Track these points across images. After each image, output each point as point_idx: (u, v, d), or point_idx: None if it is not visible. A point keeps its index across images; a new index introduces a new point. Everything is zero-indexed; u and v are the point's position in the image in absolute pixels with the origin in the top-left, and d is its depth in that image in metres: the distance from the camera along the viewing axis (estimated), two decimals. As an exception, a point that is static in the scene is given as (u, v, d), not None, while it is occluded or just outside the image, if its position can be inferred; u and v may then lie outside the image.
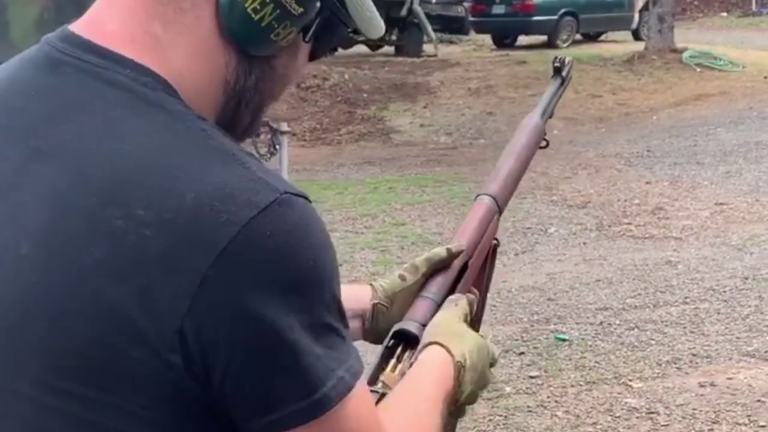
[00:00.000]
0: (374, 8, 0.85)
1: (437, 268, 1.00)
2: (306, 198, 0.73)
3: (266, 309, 0.67)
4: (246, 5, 0.74)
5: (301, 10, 0.76)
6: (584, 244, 5.86)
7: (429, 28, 15.14)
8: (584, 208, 6.74)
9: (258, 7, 0.74)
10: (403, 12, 14.84)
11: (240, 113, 0.79)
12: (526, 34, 16.74)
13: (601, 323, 4.48)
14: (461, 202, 7.02)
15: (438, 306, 0.96)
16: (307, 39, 0.79)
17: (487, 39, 17.30)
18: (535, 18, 16.30)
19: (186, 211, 0.67)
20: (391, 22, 15.00)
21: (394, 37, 15.31)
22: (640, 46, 14.83)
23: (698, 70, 12.97)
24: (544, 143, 1.12)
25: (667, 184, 7.37)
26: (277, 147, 7.47)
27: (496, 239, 1.05)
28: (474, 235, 1.01)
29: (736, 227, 5.98)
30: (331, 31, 0.81)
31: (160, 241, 0.66)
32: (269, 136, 7.59)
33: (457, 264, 0.99)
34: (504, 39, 16.88)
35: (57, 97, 0.73)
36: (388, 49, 15.61)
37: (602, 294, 4.88)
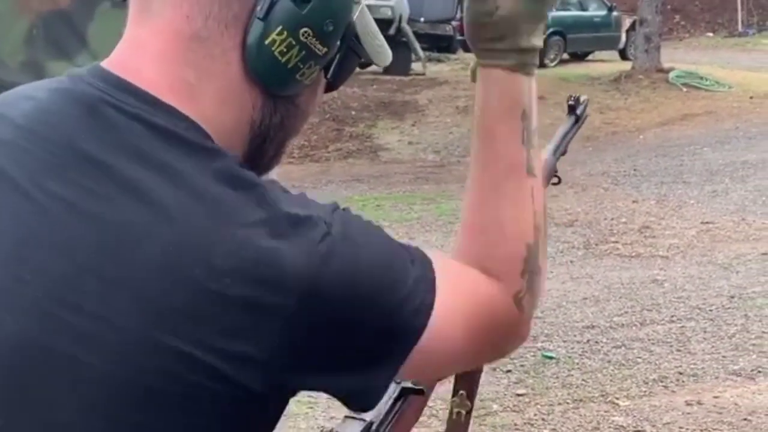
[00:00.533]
0: (383, 38, 0.88)
1: None
2: (348, 210, 0.79)
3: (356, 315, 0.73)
4: (273, 49, 0.75)
5: (325, 49, 0.78)
6: (571, 262, 5.88)
7: (417, 46, 15.22)
8: (571, 226, 6.77)
9: (284, 50, 0.76)
10: (392, 31, 14.90)
11: (264, 149, 0.81)
12: (514, 53, 16.82)
13: (588, 341, 4.48)
14: (449, 220, 7.04)
15: None
16: (328, 76, 0.82)
17: (474, 58, 17.37)
18: (523, 37, 16.38)
19: (259, 260, 0.69)
20: (379, 40, 15.05)
21: (382, 56, 15.36)
22: (627, 65, 14.94)
23: (684, 90, 13.08)
24: (555, 180, 1.11)
25: (654, 203, 7.41)
26: (266, 164, 7.51)
27: None
28: None
29: (722, 246, 6.02)
30: (348, 64, 0.84)
31: (237, 288, 0.69)
32: (257, 153, 7.62)
33: None
34: (492, 58, 16.95)
35: (109, 141, 0.72)
36: (377, 67, 15.64)
37: (589, 312, 4.89)
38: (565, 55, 17.05)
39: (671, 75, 13.51)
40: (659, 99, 12.76)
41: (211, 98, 0.76)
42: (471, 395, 1.04)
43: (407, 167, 9.89)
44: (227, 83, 0.77)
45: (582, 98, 1.17)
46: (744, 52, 19.40)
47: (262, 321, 0.69)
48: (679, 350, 4.33)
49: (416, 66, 15.33)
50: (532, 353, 4.34)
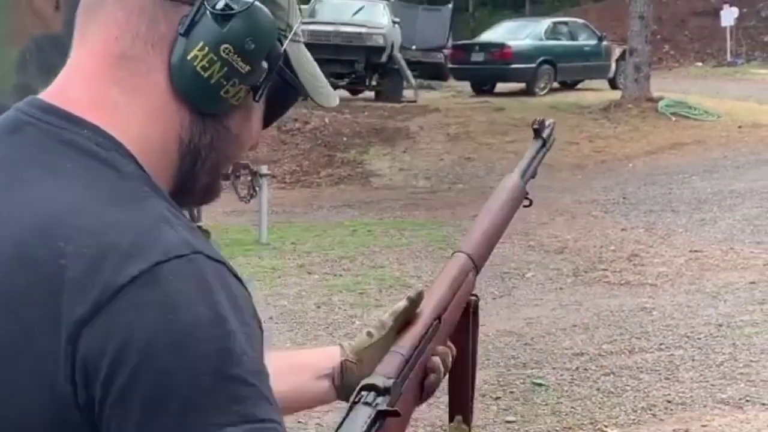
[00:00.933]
0: (324, 80, 0.90)
1: (404, 320, 0.99)
2: (227, 267, 0.74)
3: (145, 353, 0.68)
4: (195, 64, 0.78)
5: (248, 68, 0.80)
6: (561, 289, 5.89)
7: (409, 74, 15.31)
8: (561, 253, 6.79)
9: (206, 65, 0.79)
10: (384, 58, 15.00)
11: (196, 172, 0.83)
12: (505, 81, 16.95)
13: (577, 368, 4.49)
14: (439, 246, 7.05)
15: (407, 360, 0.94)
16: (257, 98, 0.83)
17: (466, 85, 17.49)
18: (514, 66, 16.51)
19: (101, 248, 0.70)
20: (371, 67, 15.15)
21: (374, 83, 15.46)
22: (616, 94, 15.05)
23: (673, 119, 13.17)
24: (527, 202, 1.12)
25: (643, 231, 7.44)
26: (257, 189, 7.50)
27: (475, 295, 1.04)
28: (445, 290, 1.00)
29: (710, 275, 6.04)
30: (282, 96, 0.86)
31: (72, 270, 0.70)
32: (249, 178, 7.63)
33: (427, 318, 0.98)
34: (482, 86, 17.07)
35: (15, 152, 0.78)
36: (369, 94, 15.75)
37: (578, 339, 4.90)
38: (556, 84, 17.17)
39: (660, 104, 13.61)
40: (648, 128, 12.84)
41: (137, 114, 0.79)
42: (467, 420, 1.04)
43: (398, 193, 9.91)
44: (154, 100, 0.79)
45: (548, 122, 1.18)
46: (733, 81, 19.56)
47: (80, 310, 0.68)
48: (667, 378, 4.34)
49: (408, 93, 15.42)
50: (521, 380, 4.35)
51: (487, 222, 1.07)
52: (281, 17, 0.84)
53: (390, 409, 0.87)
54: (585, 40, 17.92)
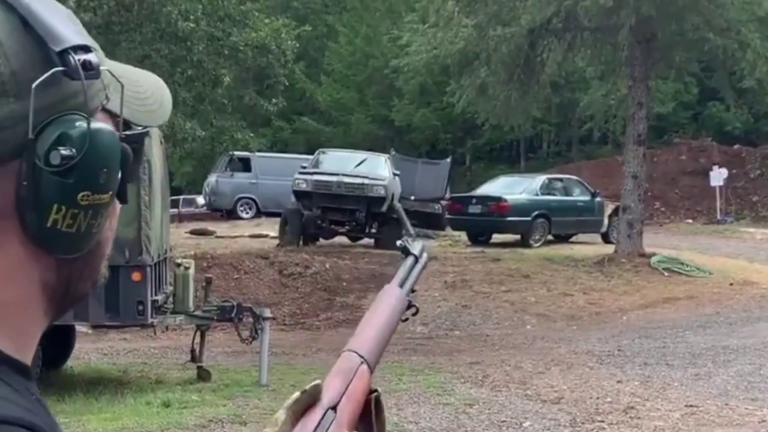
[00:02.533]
0: (146, 99, 0.79)
1: (300, 412, 0.90)
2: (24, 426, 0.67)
3: None
4: (59, 227, 0.70)
5: (109, 194, 0.72)
6: (558, 439, 5.93)
7: (407, 223, 15.69)
8: (557, 404, 6.84)
9: (71, 222, 0.71)
10: (384, 208, 15.43)
11: (71, 292, 0.76)
12: (501, 232, 17.34)
13: None
14: (437, 392, 7.11)
15: None
16: (125, 200, 0.76)
17: (462, 235, 17.88)
18: (510, 218, 16.95)
19: None
20: (372, 216, 15.56)
21: (374, 230, 15.84)
22: (609, 248, 15.38)
23: (666, 274, 13.42)
24: (413, 310, 1.10)
25: (638, 383, 7.51)
26: (259, 331, 7.65)
27: (375, 390, 1.00)
28: (336, 381, 0.96)
29: (706, 430, 6.09)
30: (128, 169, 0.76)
31: None
32: (251, 320, 7.77)
33: (321, 407, 0.92)
34: (479, 236, 17.46)
35: None
36: (368, 241, 16.08)
37: (576, 490, 4.92)
38: (550, 237, 17.56)
39: (653, 260, 13.90)
40: (641, 282, 13.08)
41: None
42: None
43: (396, 338, 9.95)
44: (7, 265, 0.71)
45: (415, 241, 1.26)
46: (723, 239, 19.95)
47: None
48: None
49: (406, 241, 15.70)
50: None
51: (371, 322, 1.06)
52: (91, 97, 0.71)
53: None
54: (579, 196, 18.45)
